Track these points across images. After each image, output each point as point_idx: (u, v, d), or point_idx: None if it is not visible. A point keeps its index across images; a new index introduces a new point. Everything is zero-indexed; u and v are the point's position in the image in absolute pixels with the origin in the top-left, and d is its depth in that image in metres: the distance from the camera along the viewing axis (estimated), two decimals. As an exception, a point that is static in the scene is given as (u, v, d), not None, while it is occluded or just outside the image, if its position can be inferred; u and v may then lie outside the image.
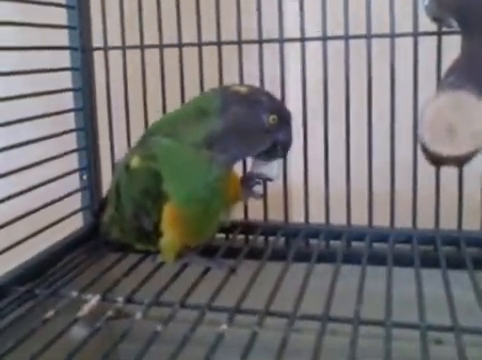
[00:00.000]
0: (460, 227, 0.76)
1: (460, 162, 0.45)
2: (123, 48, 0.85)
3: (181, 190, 0.64)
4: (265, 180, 0.75)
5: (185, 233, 0.66)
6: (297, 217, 0.83)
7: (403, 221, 0.78)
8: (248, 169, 0.77)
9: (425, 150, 0.45)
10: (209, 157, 0.64)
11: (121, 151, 0.82)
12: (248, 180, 0.74)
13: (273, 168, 0.71)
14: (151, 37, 0.84)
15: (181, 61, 0.83)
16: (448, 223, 0.76)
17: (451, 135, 0.42)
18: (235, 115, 0.64)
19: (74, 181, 0.87)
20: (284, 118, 0.67)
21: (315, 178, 0.80)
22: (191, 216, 0.65)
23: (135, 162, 0.66)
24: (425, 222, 0.77)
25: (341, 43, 0.76)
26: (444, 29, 0.72)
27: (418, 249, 0.72)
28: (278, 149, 0.68)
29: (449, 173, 0.74)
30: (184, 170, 0.65)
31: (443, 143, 0.42)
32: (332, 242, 0.79)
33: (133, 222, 0.68)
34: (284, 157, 0.71)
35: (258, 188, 0.76)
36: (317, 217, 0.81)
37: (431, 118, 0.42)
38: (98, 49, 0.87)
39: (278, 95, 0.75)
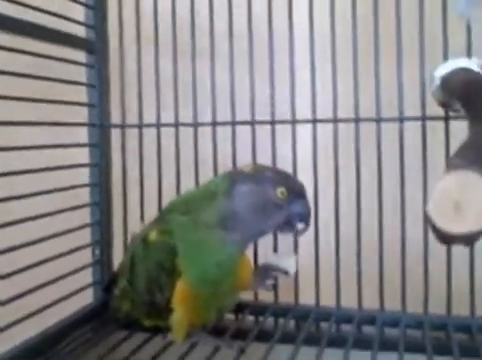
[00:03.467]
0: (473, 313, 0.74)
1: (468, 240, 0.45)
2: (140, 126, 0.88)
3: (194, 268, 0.65)
4: (282, 274, 0.75)
5: (194, 311, 0.66)
6: (308, 299, 0.82)
7: (415, 304, 0.76)
8: (265, 260, 0.77)
9: (434, 228, 0.45)
10: (222, 237, 0.65)
11: (134, 227, 0.83)
12: (263, 272, 0.75)
13: (291, 264, 0.71)
14: (168, 116, 0.86)
15: (196, 140, 0.85)
16: (460, 308, 0.75)
17: (458, 213, 0.42)
18: (242, 194, 0.65)
19: (84, 255, 0.87)
20: (295, 190, 0.66)
21: (326, 260, 0.80)
22: (201, 295, 0.65)
23: (153, 235, 0.68)
24: (437, 307, 0.75)
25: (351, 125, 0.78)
26: (451, 114, 0.74)
27: (430, 335, 0.71)
28: (295, 223, 0.67)
29: (461, 257, 0.73)
30: (197, 249, 0.65)
31: (450, 221, 0.42)
32: (343, 325, 0.78)
33: (145, 296, 0.68)
34: (305, 230, 0.68)
35: (269, 280, 0.76)
36: (328, 299, 0.80)
37: (438, 196, 0.43)
38: (116, 126, 0.89)
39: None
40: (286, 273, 0.73)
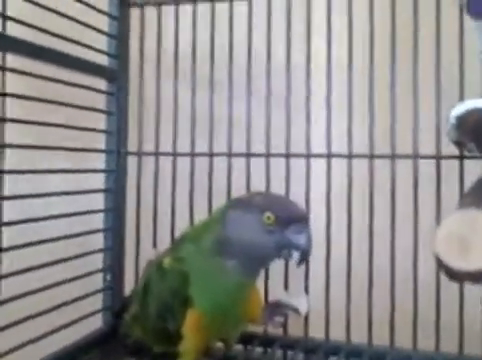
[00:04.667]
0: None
1: (475, 278, 0.45)
2: (156, 154, 0.89)
3: (204, 296, 0.65)
4: (293, 312, 0.73)
5: (203, 339, 0.67)
6: (317, 332, 0.82)
7: (427, 343, 0.76)
8: (276, 297, 0.76)
9: (440, 265, 0.45)
10: (221, 264, 0.65)
11: (145, 254, 0.84)
12: (273, 308, 0.74)
13: (302, 303, 0.71)
14: (184, 145, 0.88)
15: (211, 170, 0.86)
16: (472, 347, 0.74)
17: (464, 251, 0.42)
18: (232, 220, 0.65)
19: (96, 280, 0.87)
20: (284, 215, 0.63)
21: (337, 295, 0.80)
22: (211, 323, 0.66)
23: (167, 262, 0.68)
24: (449, 345, 0.75)
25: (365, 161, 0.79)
26: (466, 153, 0.75)
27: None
28: (291, 250, 0.63)
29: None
30: (205, 277, 0.66)
31: (456, 258, 0.42)
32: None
33: (157, 322, 0.68)
34: (301, 262, 0.64)
35: (279, 317, 0.75)
36: (338, 333, 0.79)
37: (445, 233, 0.42)
38: (132, 154, 0.91)
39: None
40: (297, 312, 0.72)
